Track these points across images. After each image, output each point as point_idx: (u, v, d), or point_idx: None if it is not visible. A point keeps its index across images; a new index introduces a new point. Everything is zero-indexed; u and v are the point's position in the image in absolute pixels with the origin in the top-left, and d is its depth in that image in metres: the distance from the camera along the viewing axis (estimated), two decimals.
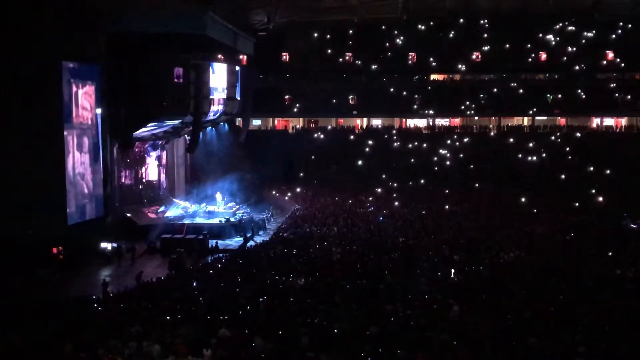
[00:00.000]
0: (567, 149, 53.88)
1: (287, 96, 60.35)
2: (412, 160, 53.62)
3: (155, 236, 34.20)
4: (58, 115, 29.62)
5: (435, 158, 53.64)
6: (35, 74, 28.42)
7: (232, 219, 37.76)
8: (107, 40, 33.18)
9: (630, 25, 57.45)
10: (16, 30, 27.90)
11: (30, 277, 25.55)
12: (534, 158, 52.57)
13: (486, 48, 59.06)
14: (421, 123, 60.74)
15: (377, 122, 61.24)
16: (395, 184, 48.63)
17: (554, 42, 58.34)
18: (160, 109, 35.20)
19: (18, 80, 27.83)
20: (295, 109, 59.46)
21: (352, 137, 57.81)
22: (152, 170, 42.24)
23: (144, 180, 41.54)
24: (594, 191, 44.31)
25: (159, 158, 42.41)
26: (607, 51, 58.63)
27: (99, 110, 32.80)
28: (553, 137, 55.70)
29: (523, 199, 42.81)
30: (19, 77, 27.83)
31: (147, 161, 41.79)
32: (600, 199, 42.76)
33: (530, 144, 53.97)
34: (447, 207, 40.52)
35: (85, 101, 31.56)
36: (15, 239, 26.54)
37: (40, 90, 28.68)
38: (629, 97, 57.29)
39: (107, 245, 31.66)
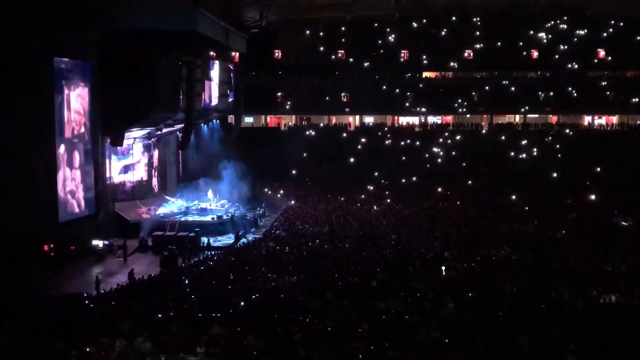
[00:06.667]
0: (559, 146, 54.04)
1: (279, 93, 60.26)
2: (404, 157, 53.62)
3: (147, 233, 34.11)
4: (50, 114, 29.45)
5: (428, 156, 53.70)
6: (28, 72, 28.23)
7: (224, 216, 37.68)
8: (99, 38, 33.01)
9: (621, 24, 57.71)
10: (7, 28, 27.68)
11: (21, 274, 25.41)
12: (526, 155, 52.72)
13: (478, 46, 59.21)
14: (413, 121, 60.79)
15: (369, 119, 61.24)
16: (387, 182, 48.67)
17: (545, 40, 58.50)
18: (151, 107, 35.02)
19: (9, 79, 27.62)
20: (288, 106, 59.35)
21: (344, 134, 57.75)
22: (143, 168, 42.01)
23: (135, 178, 41.31)
24: (585, 189, 44.51)
25: (150, 156, 42.19)
26: (599, 49, 58.85)
27: (90, 109, 32.65)
28: (545, 136, 55.87)
29: (514, 197, 42.93)
30: (10, 75, 27.62)
31: (139, 159, 41.56)
32: (592, 196, 42.96)
33: (522, 142, 54.13)
34: (439, 204, 40.59)
35: (77, 101, 31.40)
36: (7, 236, 26.36)
37: (32, 90, 28.45)
38: (620, 95, 57.43)
39: (98, 243, 31.59)
